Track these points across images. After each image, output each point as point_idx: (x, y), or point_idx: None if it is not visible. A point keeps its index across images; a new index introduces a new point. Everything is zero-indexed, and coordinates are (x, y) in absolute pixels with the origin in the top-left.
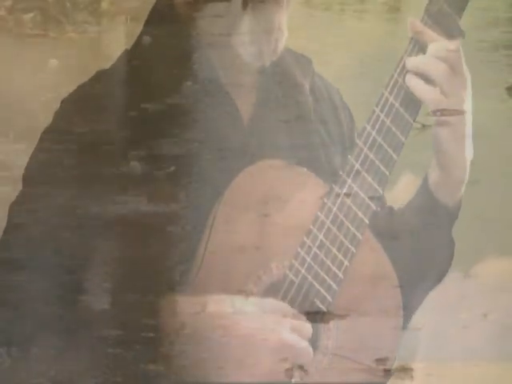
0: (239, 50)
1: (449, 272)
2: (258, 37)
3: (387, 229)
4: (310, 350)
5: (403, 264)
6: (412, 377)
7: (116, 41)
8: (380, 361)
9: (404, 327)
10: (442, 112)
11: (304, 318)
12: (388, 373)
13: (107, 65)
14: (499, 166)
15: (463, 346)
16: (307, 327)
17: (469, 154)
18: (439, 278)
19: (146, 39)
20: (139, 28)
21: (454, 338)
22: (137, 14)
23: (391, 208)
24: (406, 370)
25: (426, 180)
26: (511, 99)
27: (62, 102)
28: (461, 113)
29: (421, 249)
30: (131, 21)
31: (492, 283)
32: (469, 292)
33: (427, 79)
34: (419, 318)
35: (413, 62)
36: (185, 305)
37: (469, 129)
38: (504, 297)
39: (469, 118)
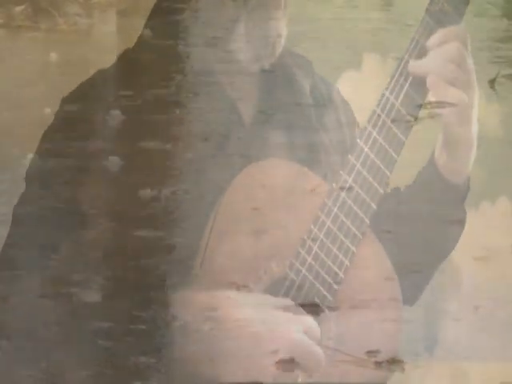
0: (237, 54)
1: None
2: (255, 41)
3: (395, 211)
4: (322, 354)
5: (414, 241)
6: (403, 369)
7: (107, 33)
8: (371, 353)
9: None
10: (438, 104)
11: (312, 319)
12: (379, 365)
13: (99, 57)
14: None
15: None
16: (317, 329)
17: (475, 132)
18: (450, 250)
19: (147, 33)
20: (130, 21)
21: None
22: (128, 6)
23: (398, 189)
24: (396, 363)
25: (432, 160)
26: (494, 92)
27: (63, 100)
28: (452, 105)
29: (430, 229)
30: (122, 13)
31: None
32: None
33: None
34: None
35: (417, 65)
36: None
37: (476, 111)
38: None
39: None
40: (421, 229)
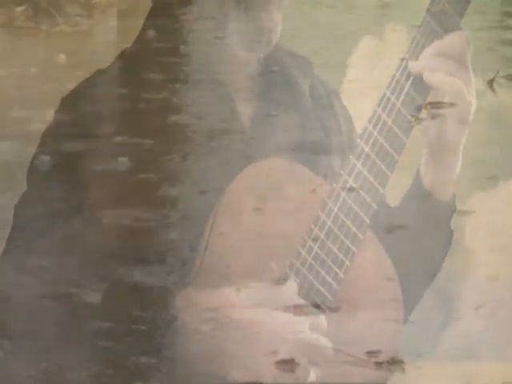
0: (231, 42)
1: None
2: (249, 27)
3: (385, 224)
4: (331, 347)
5: (402, 260)
6: (403, 369)
7: (108, 33)
8: (372, 353)
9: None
10: (435, 105)
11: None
12: (379, 365)
13: (99, 57)
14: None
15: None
16: (323, 323)
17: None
18: (437, 270)
19: (151, 33)
20: (130, 21)
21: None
22: (128, 6)
23: (388, 205)
24: (397, 363)
25: (418, 178)
26: (492, 92)
27: (62, 99)
28: (452, 105)
29: (420, 245)
30: (123, 14)
31: None
32: None
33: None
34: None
35: (417, 65)
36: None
37: (470, 120)
38: None
39: (473, 109)
40: (407, 250)
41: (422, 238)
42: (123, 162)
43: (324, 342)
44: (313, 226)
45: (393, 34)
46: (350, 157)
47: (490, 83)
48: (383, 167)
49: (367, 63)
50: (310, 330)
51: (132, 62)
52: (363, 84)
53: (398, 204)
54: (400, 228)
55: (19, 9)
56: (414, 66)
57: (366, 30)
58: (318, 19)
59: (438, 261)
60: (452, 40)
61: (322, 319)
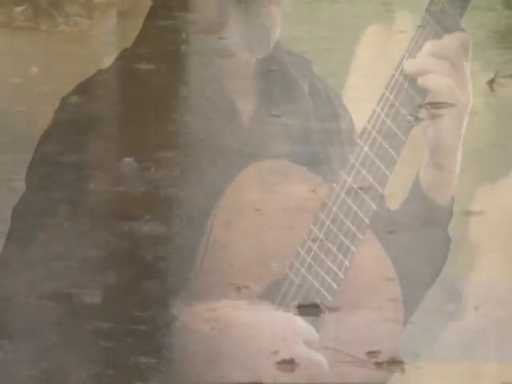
0: (230, 43)
1: None
2: (249, 29)
3: (385, 228)
4: (324, 360)
5: (401, 262)
6: (403, 369)
7: (108, 34)
8: (371, 353)
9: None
10: (434, 105)
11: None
12: (379, 365)
13: (99, 58)
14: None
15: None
16: (316, 337)
17: (460, 149)
18: (436, 274)
19: (146, 33)
20: (131, 21)
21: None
22: (128, 7)
23: (388, 208)
24: (396, 363)
25: (417, 182)
26: (493, 93)
27: (62, 99)
28: (451, 105)
29: (418, 248)
30: (123, 14)
31: None
32: None
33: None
34: None
35: (412, 65)
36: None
37: (465, 121)
38: None
39: (468, 111)
40: (406, 253)
41: (421, 240)
42: (128, 163)
43: (319, 357)
44: (312, 226)
45: (397, 33)
46: (350, 156)
47: (490, 83)
48: (382, 167)
49: (369, 64)
50: (304, 346)
51: (132, 62)
52: (365, 84)
53: (397, 208)
54: (399, 231)
55: (19, 9)
56: (409, 65)
57: (368, 28)
58: (319, 18)
59: (437, 263)
60: (449, 41)
61: (314, 334)
